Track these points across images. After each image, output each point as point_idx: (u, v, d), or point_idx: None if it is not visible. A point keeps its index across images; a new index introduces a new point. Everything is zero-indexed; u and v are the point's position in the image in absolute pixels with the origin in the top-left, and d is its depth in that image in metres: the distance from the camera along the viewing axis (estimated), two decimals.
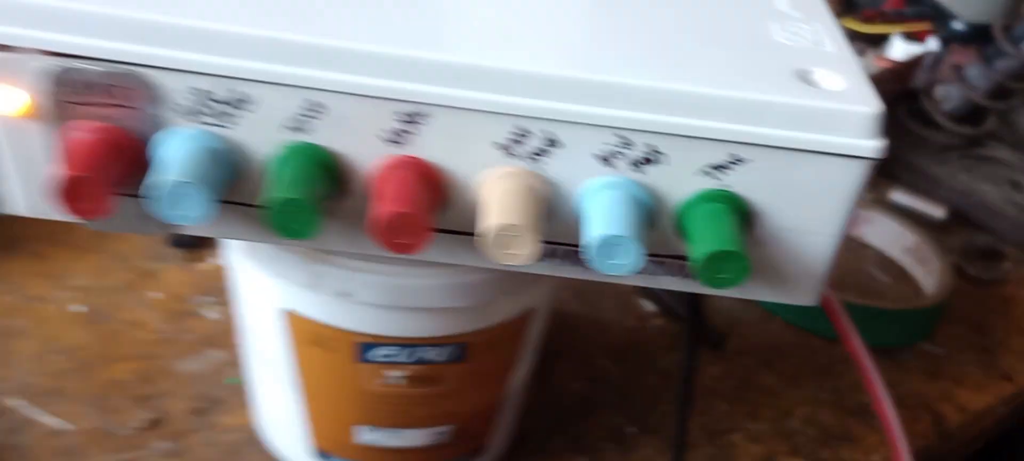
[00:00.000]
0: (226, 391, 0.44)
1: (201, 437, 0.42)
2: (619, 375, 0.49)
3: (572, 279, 0.29)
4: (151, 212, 0.25)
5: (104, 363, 0.44)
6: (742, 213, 0.25)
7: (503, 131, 0.25)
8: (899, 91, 0.70)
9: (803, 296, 0.28)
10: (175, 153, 0.25)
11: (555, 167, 0.25)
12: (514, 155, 0.25)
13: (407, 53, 0.24)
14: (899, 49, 0.74)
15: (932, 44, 0.74)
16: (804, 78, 0.25)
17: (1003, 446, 0.56)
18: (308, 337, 0.35)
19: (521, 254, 0.24)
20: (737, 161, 0.25)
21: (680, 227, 0.26)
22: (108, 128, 0.25)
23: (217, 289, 0.49)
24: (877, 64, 0.73)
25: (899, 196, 0.67)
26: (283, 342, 0.36)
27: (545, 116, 0.24)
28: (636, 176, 0.25)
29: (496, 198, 0.25)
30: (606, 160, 0.25)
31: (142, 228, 0.27)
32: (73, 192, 0.24)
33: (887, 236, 0.62)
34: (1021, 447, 0.60)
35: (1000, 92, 0.70)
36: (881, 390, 0.36)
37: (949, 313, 0.57)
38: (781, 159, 0.25)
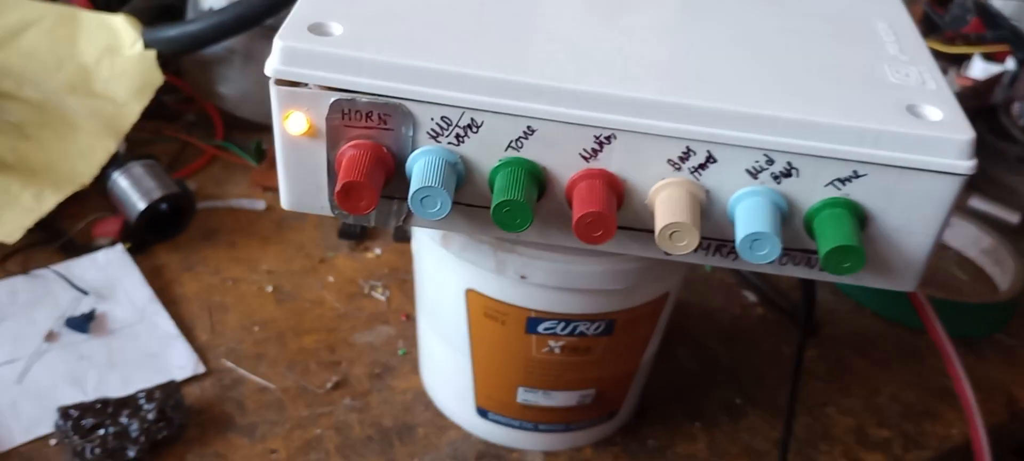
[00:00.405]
0: (397, 360, 0.52)
1: (379, 396, 0.50)
2: (727, 355, 0.56)
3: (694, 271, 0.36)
4: (404, 209, 0.33)
5: (295, 334, 0.53)
6: (859, 216, 0.32)
7: (675, 150, 0.32)
8: (978, 107, 0.75)
9: (905, 283, 0.35)
10: (425, 166, 0.32)
11: (711, 178, 0.33)
12: (680, 169, 0.33)
13: (604, 91, 0.32)
14: (979, 69, 0.79)
15: (1010, 64, 0.79)
16: (912, 111, 0.32)
17: None
18: (485, 311, 0.43)
19: (685, 245, 0.32)
20: (857, 176, 0.32)
21: (809, 227, 0.33)
22: (373, 145, 0.33)
23: (381, 274, 0.57)
24: (958, 83, 0.78)
25: (977, 202, 0.72)
26: (462, 315, 0.43)
27: (708, 139, 0.32)
28: (775, 186, 0.32)
29: (667, 202, 0.32)
30: (753, 174, 0.32)
31: (388, 222, 0.35)
32: (350, 194, 0.32)
33: (966, 238, 0.68)
34: None
35: None
36: (961, 373, 0.41)
37: (1022, 308, 0.63)
38: (893, 175, 0.31)
